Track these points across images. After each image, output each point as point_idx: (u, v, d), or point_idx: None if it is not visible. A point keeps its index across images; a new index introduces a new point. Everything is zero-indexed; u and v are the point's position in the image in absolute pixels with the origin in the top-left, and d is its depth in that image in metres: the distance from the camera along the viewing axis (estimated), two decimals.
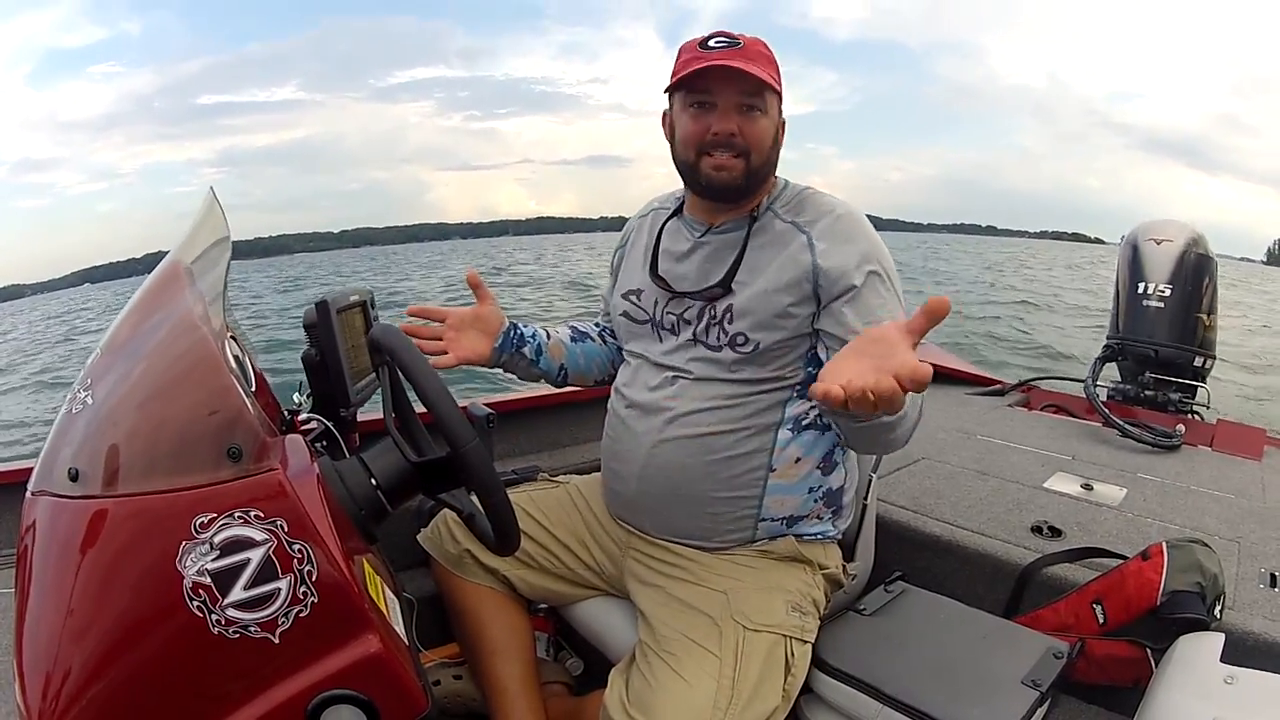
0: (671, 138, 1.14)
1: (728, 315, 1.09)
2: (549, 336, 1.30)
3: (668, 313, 1.16)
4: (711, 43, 1.05)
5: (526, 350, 1.26)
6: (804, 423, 1.11)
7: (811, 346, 1.09)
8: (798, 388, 1.10)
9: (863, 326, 1.01)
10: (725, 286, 1.10)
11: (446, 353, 1.16)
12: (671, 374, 1.13)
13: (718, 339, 1.10)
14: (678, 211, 1.22)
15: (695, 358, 1.11)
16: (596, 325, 1.38)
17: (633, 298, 1.22)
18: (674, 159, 1.14)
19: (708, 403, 1.09)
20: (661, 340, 1.16)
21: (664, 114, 1.15)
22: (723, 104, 1.06)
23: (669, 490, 1.11)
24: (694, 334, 1.12)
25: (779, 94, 1.08)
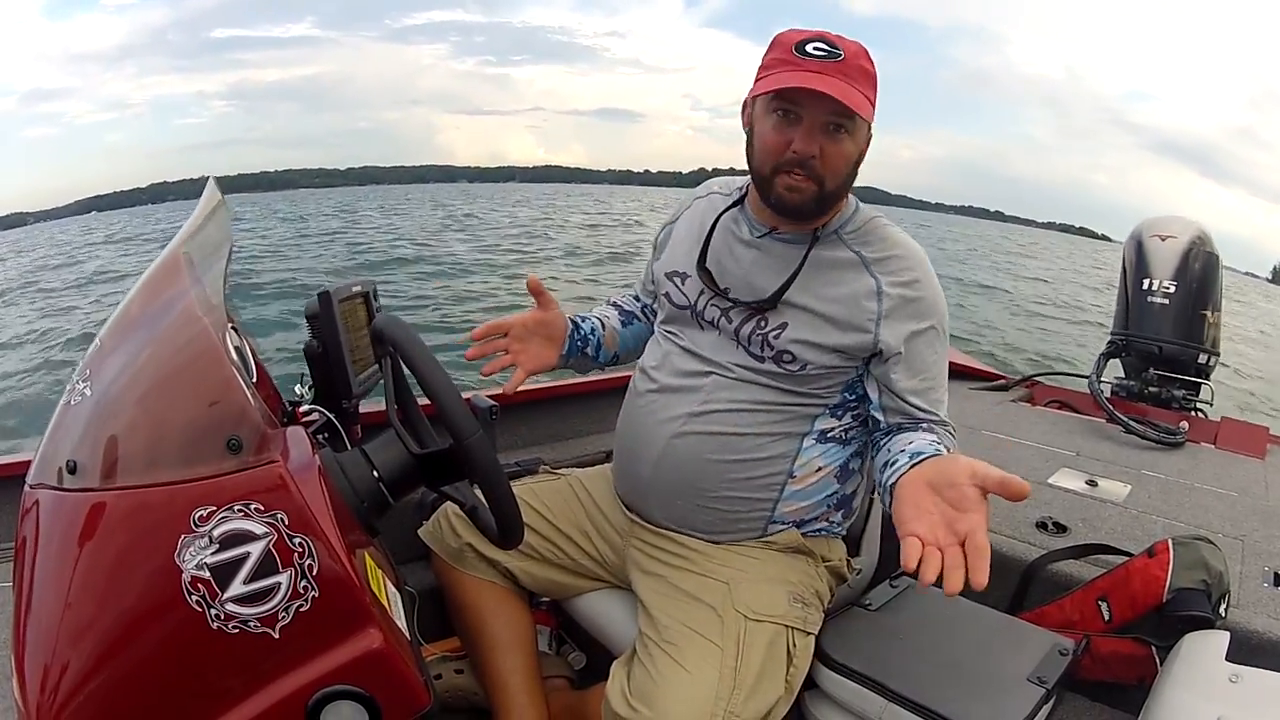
0: (750, 136, 1.08)
1: (777, 331, 1.06)
2: (603, 326, 1.28)
3: (711, 305, 1.12)
4: (810, 48, 0.98)
5: (589, 350, 1.25)
6: (829, 435, 1.10)
7: (857, 376, 1.09)
8: (830, 408, 1.10)
9: (909, 383, 1.05)
10: (774, 302, 1.07)
11: (517, 367, 1.15)
12: (708, 367, 1.10)
13: (762, 349, 1.07)
14: (740, 201, 1.17)
15: (736, 361, 1.09)
16: (637, 300, 1.36)
17: (676, 280, 1.18)
18: (748, 159, 1.09)
19: (739, 404, 1.08)
20: (703, 330, 1.14)
21: (745, 103, 1.08)
22: (809, 120, 0.99)
23: (684, 482, 1.10)
24: (737, 336, 1.09)
25: (872, 113, 1.02)
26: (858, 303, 1.05)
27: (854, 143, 1.02)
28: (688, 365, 1.12)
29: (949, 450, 0.98)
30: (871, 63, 1.01)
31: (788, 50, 0.99)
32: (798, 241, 1.09)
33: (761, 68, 1.02)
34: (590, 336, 1.25)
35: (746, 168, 1.10)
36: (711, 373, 1.10)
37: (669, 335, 1.18)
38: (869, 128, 1.04)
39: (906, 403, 1.06)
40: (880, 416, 1.08)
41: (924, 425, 1.05)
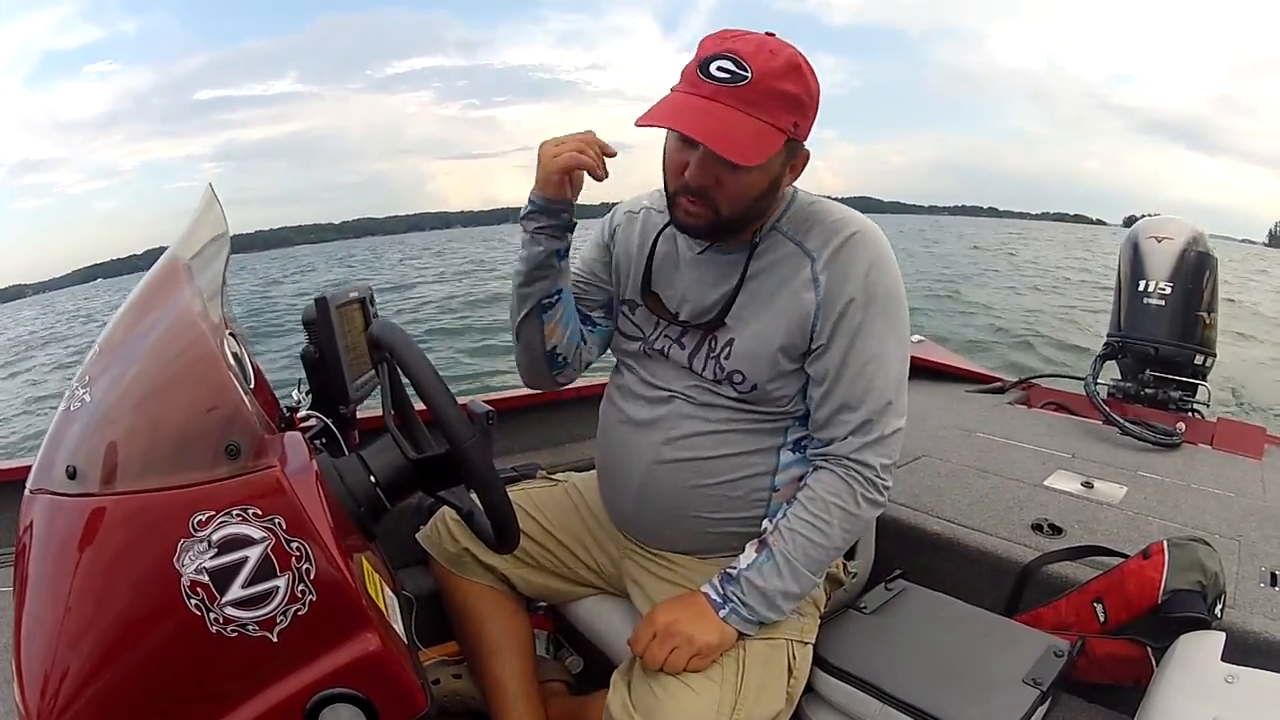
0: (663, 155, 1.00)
1: (725, 350, 1.02)
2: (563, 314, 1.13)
3: (664, 335, 1.08)
4: (713, 68, 0.89)
5: (551, 302, 1.10)
6: (805, 444, 1.07)
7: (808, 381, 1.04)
8: (799, 418, 1.06)
9: (837, 386, 0.99)
10: (719, 321, 1.02)
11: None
12: (668, 395, 1.07)
13: (714, 374, 1.04)
14: None
15: (693, 386, 1.06)
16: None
17: (626, 309, 1.14)
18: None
19: (708, 426, 1.05)
20: (652, 358, 1.11)
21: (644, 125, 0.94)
22: (704, 150, 0.90)
23: (669, 510, 1.08)
24: (689, 363, 1.06)
25: (793, 136, 0.92)
26: (797, 297, 0.99)
27: (762, 172, 0.94)
28: (650, 394, 1.09)
29: (779, 553, 0.99)
30: (795, 78, 0.91)
31: (694, 67, 0.91)
32: (739, 250, 1.03)
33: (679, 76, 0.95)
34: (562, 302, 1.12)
35: None
36: (673, 398, 1.07)
37: (628, 366, 1.15)
38: (789, 149, 0.95)
39: (830, 403, 1.00)
40: (810, 411, 1.04)
41: (820, 464, 1.02)
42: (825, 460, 1.02)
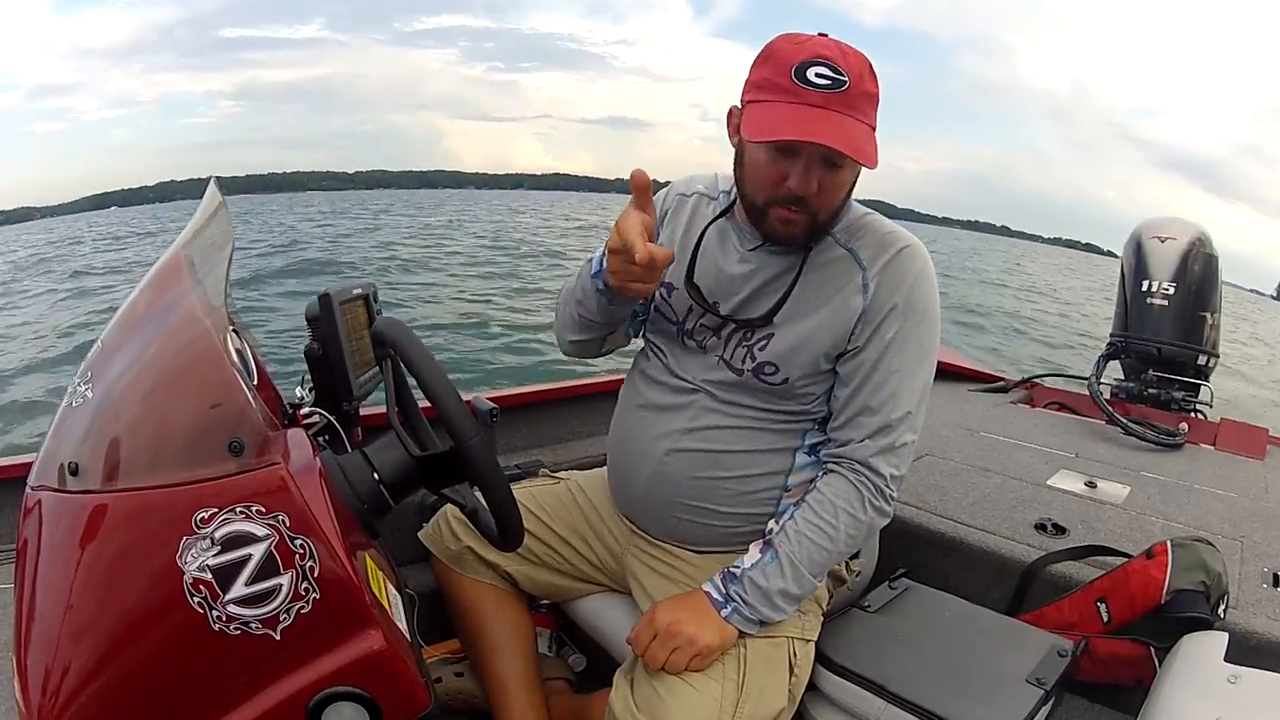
0: (739, 153, 1.00)
1: (762, 342, 1.03)
2: None
3: (701, 325, 1.08)
4: (812, 75, 0.89)
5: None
6: (820, 449, 1.07)
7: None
8: (819, 422, 1.07)
9: (862, 394, 1.00)
10: (767, 320, 1.03)
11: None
12: (694, 385, 1.08)
13: (743, 362, 1.04)
14: (728, 209, 1.09)
15: (721, 378, 1.06)
16: None
17: (663, 290, 1.12)
18: (736, 178, 1.02)
19: (729, 420, 1.06)
20: (686, 348, 1.10)
21: (731, 110, 1.00)
22: (807, 157, 0.92)
23: (677, 500, 1.09)
24: (721, 355, 1.06)
25: (874, 146, 0.93)
26: (845, 302, 1.00)
27: (851, 171, 0.97)
28: (674, 383, 1.09)
29: (787, 554, 0.99)
30: (875, 79, 0.93)
31: (786, 74, 0.90)
32: (792, 253, 1.04)
33: (754, 85, 0.95)
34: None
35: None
36: (699, 390, 1.07)
37: (655, 350, 1.15)
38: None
39: (853, 404, 1.02)
40: (829, 410, 1.05)
41: (831, 467, 1.03)
42: (838, 464, 1.03)
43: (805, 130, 0.89)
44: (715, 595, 1.00)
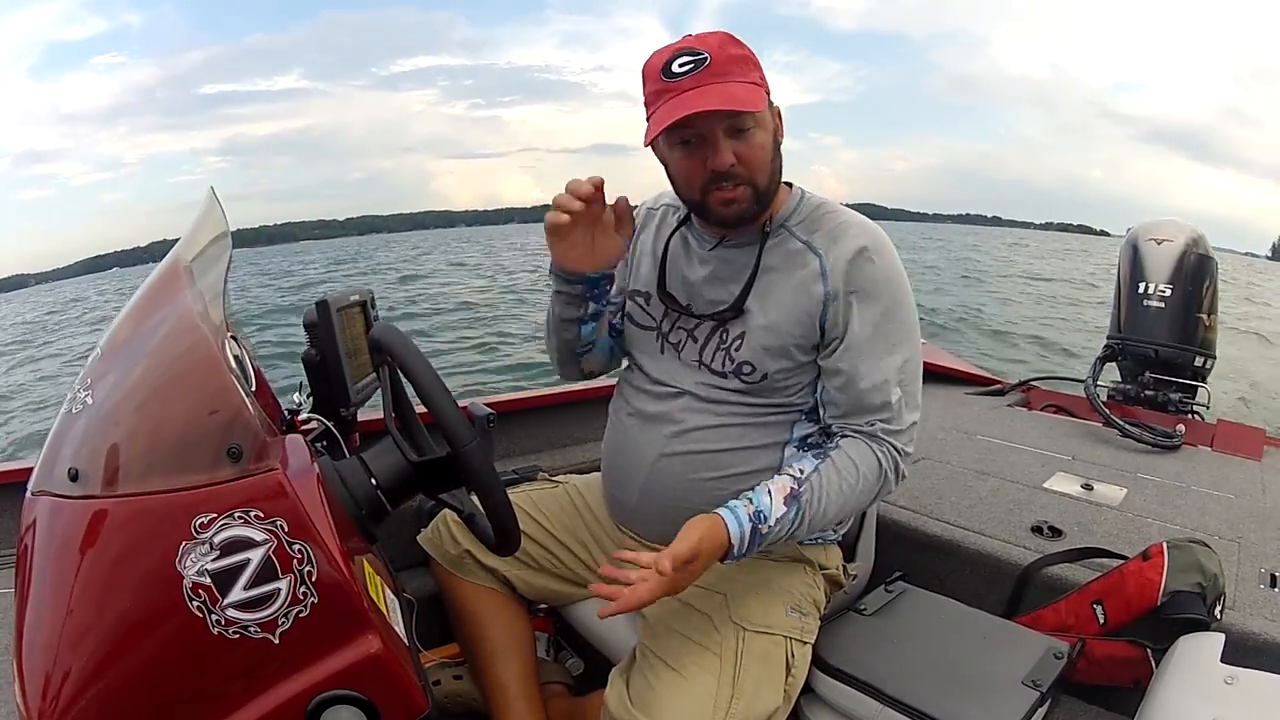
0: (668, 171, 1.05)
1: (736, 343, 1.05)
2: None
3: (677, 327, 1.11)
4: (675, 67, 0.95)
5: (593, 309, 1.13)
6: (810, 442, 1.09)
7: (819, 374, 1.07)
8: (806, 412, 1.08)
9: (853, 377, 1.01)
10: (737, 310, 1.05)
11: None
12: (677, 390, 1.10)
13: (723, 365, 1.06)
14: (686, 220, 1.15)
15: (702, 381, 1.08)
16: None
17: (640, 300, 1.17)
18: (677, 194, 1.07)
19: (715, 420, 1.07)
20: (664, 353, 1.13)
21: (654, 145, 1.04)
22: (711, 135, 0.96)
23: (672, 504, 1.09)
24: (700, 357, 1.08)
25: (766, 92, 0.99)
26: (806, 290, 1.02)
27: (764, 131, 1.00)
28: (658, 389, 1.11)
29: (818, 487, 0.99)
30: (740, 44, 0.97)
31: (657, 79, 0.96)
32: (749, 244, 1.07)
33: (646, 104, 1.00)
34: (603, 308, 1.16)
35: None
36: (683, 393, 1.09)
37: (638, 360, 1.17)
38: (768, 104, 1.00)
39: (845, 396, 1.03)
40: (822, 412, 1.07)
41: (850, 433, 1.04)
42: (858, 433, 1.03)
43: (685, 107, 0.93)
44: (734, 546, 0.96)
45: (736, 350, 1.05)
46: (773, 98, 1.02)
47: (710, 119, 0.95)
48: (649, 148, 1.04)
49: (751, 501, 0.97)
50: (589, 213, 0.99)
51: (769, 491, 0.99)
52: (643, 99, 1.01)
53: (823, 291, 1.01)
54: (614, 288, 1.19)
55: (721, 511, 0.97)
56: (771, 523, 0.97)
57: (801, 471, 1.00)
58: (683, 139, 0.98)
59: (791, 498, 0.99)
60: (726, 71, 0.95)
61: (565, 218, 0.98)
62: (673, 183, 1.07)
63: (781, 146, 1.04)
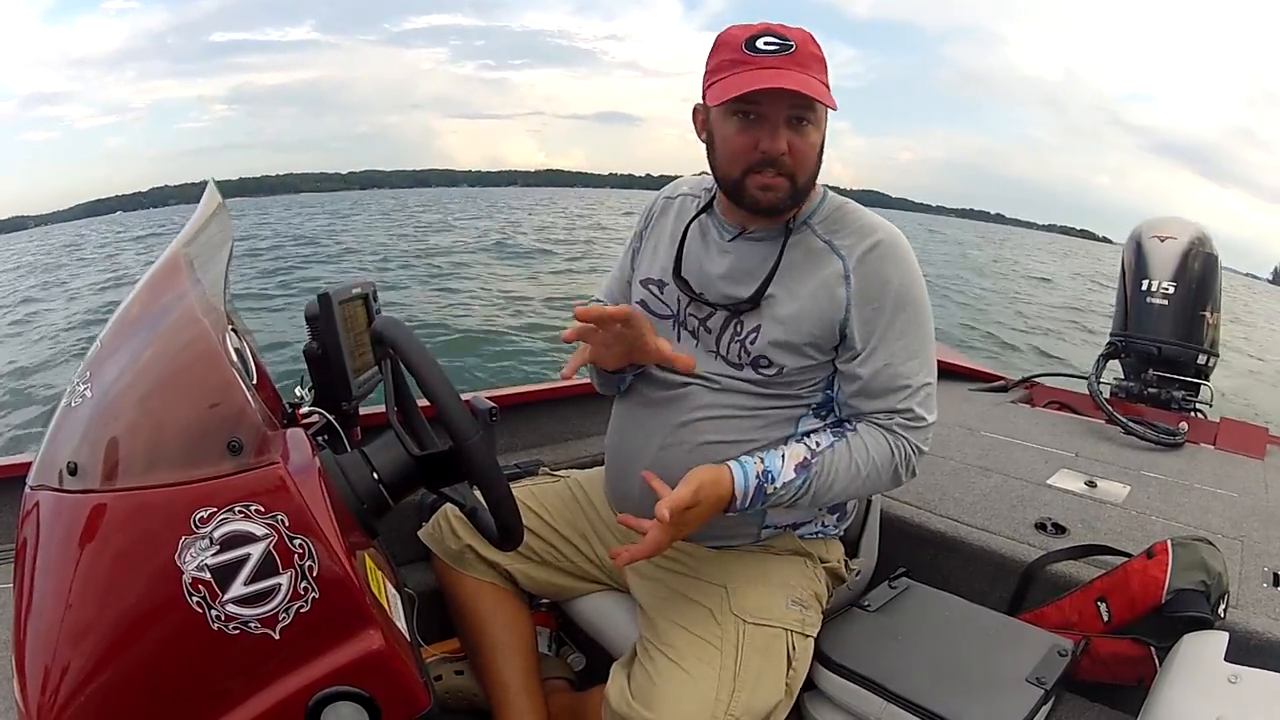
0: (709, 142, 1.05)
1: (753, 335, 1.05)
2: None
3: (691, 315, 1.11)
4: (760, 44, 0.95)
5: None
6: (828, 421, 1.08)
7: (834, 372, 1.06)
8: (814, 408, 1.08)
9: (871, 378, 1.02)
10: (754, 302, 1.04)
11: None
12: (688, 378, 1.09)
13: (739, 357, 1.06)
14: (708, 206, 1.14)
15: (715, 370, 1.08)
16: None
17: (653, 288, 1.16)
18: (711, 165, 1.07)
19: (722, 411, 1.07)
20: (679, 341, 1.12)
21: (696, 109, 1.06)
22: (773, 118, 0.97)
23: None
24: (715, 346, 1.08)
25: (831, 99, 0.99)
26: (829, 291, 1.02)
27: (818, 132, 1.01)
28: (668, 378, 1.10)
29: (842, 457, 1.01)
30: (819, 47, 0.98)
31: (737, 49, 0.96)
32: (770, 238, 1.07)
33: (711, 71, 1.00)
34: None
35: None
36: (691, 383, 1.08)
37: None
38: (827, 113, 1.01)
39: (863, 398, 1.04)
40: (838, 410, 1.08)
41: (882, 429, 1.04)
42: (877, 424, 1.04)
43: (765, 80, 0.94)
44: (737, 498, 0.99)
45: (752, 343, 1.05)
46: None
47: (779, 102, 0.96)
48: (694, 115, 1.07)
49: (762, 461, 0.99)
50: (614, 334, 1.02)
51: (782, 456, 1.00)
52: (706, 65, 1.01)
53: (845, 296, 1.01)
54: (612, 287, 1.25)
55: (730, 464, 0.99)
56: (779, 485, 0.99)
57: (818, 444, 1.02)
58: (744, 111, 0.98)
59: (803, 467, 1.00)
60: (807, 64, 0.96)
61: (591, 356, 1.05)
62: (713, 158, 1.05)
63: (824, 150, 1.04)
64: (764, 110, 0.97)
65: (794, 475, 1.00)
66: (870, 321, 1.01)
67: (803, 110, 0.97)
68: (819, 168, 1.04)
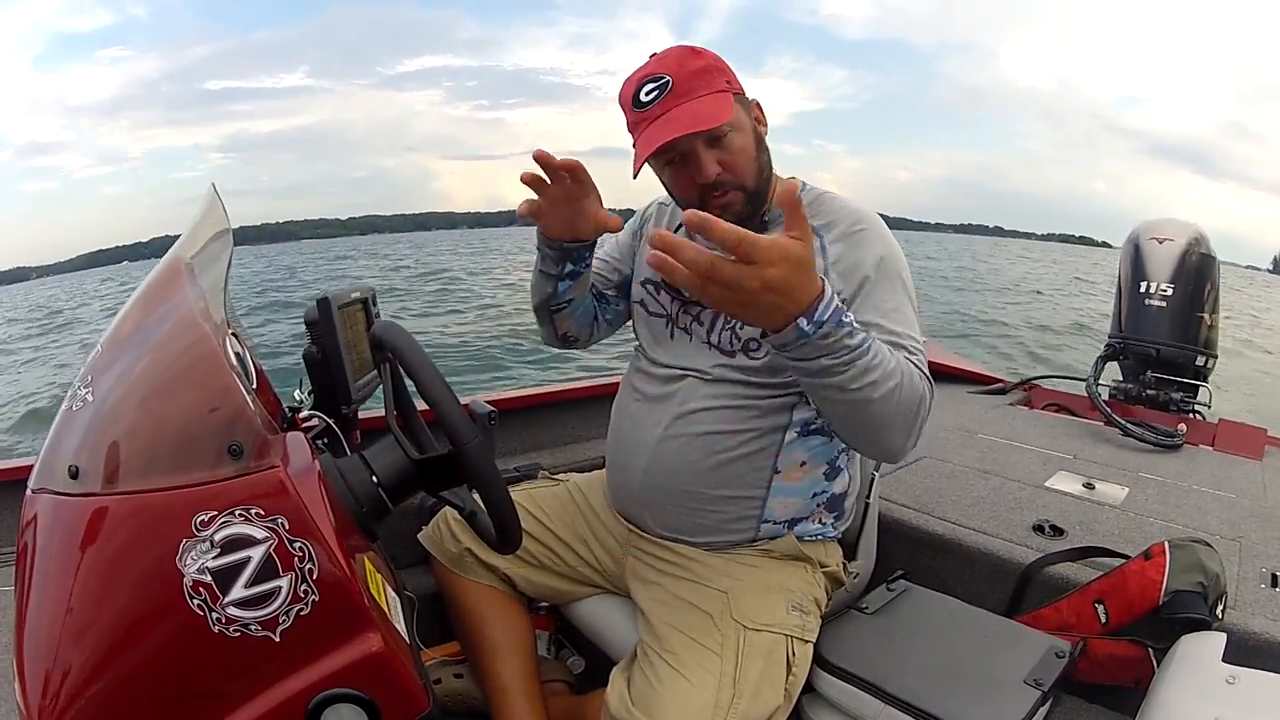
0: (666, 187, 1.11)
1: (739, 321, 1.07)
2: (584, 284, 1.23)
3: (683, 312, 1.15)
4: (643, 96, 0.99)
5: (575, 274, 1.17)
6: (811, 427, 1.09)
7: None
8: (807, 396, 1.08)
9: (869, 317, 0.98)
10: None
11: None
12: (682, 371, 1.11)
13: (730, 343, 1.08)
14: None
15: (709, 361, 1.10)
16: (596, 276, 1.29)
17: (650, 289, 1.20)
18: (677, 205, 1.13)
19: (717, 401, 1.08)
20: (674, 338, 1.15)
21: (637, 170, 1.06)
22: (691, 152, 1.00)
23: (674, 486, 1.10)
24: (708, 337, 1.11)
25: (736, 91, 1.02)
26: None
27: (741, 133, 1.02)
28: (663, 372, 1.14)
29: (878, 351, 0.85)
30: (699, 54, 1.01)
31: (631, 110, 1.02)
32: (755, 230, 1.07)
33: (630, 134, 1.04)
34: (581, 269, 1.17)
35: None
36: (686, 375, 1.11)
37: (645, 347, 1.20)
38: (743, 102, 1.03)
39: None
40: None
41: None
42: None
43: (656, 138, 0.98)
44: (824, 298, 0.78)
45: (741, 328, 1.07)
46: (747, 93, 1.06)
47: (685, 138, 0.98)
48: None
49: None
50: (562, 189, 1.03)
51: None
52: (628, 129, 1.05)
53: (823, 265, 1.02)
54: (608, 253, 1.29)
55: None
56: (853, 325, 0.82)
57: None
58: (668, 160, 1.03)
59: (864, 335, 0.84)
60: (690, 89, 0.99)
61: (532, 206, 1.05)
62: (672, 197, 1.12)
63: (766, 143, 1.07)
64: (680, 150, 1.00)
65: (861, 333, 0.84)
66: (854, 292, 1.00)
67: (714, 130, 0.99)
68: (765, 160, 1.06)
